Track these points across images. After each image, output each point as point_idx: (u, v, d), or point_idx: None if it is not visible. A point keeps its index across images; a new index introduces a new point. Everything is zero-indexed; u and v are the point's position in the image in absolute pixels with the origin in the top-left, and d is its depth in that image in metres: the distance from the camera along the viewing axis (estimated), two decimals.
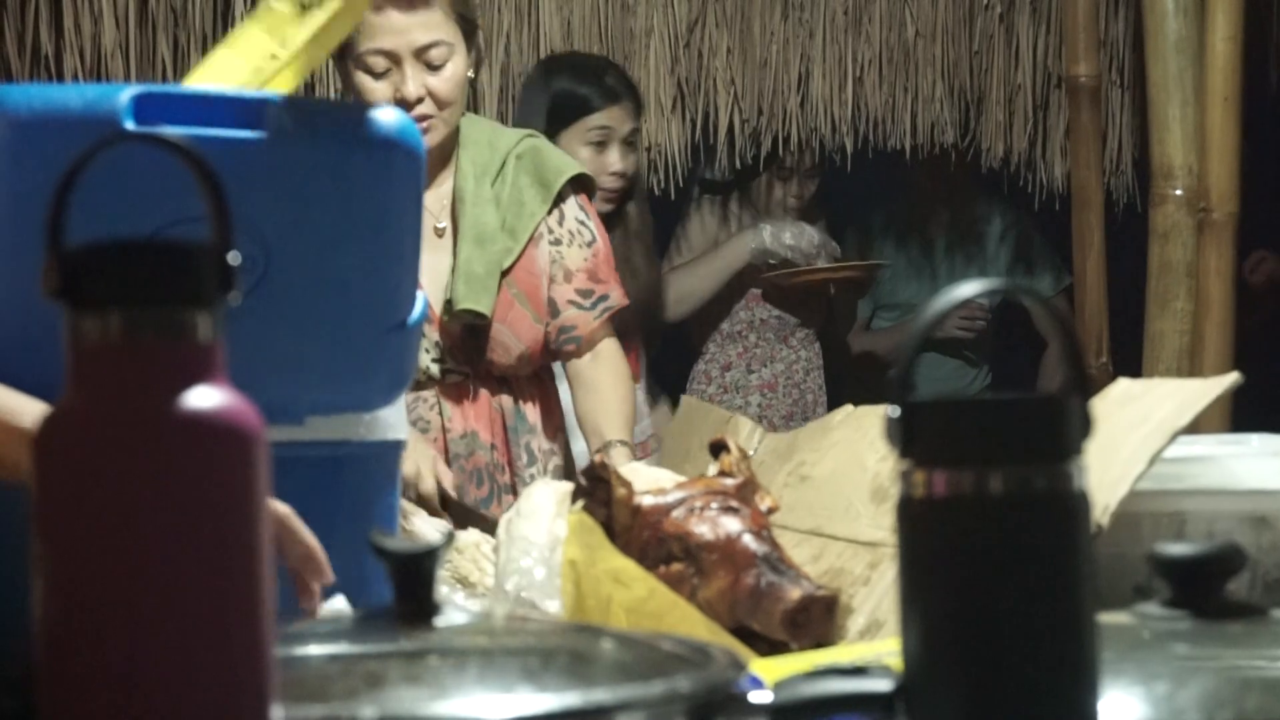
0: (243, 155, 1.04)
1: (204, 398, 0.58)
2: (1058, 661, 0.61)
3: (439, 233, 2.29)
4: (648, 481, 1.28)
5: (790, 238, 3.42)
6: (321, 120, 1.09)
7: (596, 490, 1.22)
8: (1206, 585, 0.76)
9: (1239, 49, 2.96)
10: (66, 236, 0.60)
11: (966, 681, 0.61)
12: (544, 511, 1.25)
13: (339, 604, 0.87)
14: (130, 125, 1.02)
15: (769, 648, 1.18)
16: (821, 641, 1.19)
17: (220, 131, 1.04)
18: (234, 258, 0.60)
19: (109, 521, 0.56)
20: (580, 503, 1.21)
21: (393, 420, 1.17)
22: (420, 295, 1.17)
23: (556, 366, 2.43)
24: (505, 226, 2.27)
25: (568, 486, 1.27)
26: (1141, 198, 3.53)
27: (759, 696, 0.65)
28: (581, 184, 2.35)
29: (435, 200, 2.30)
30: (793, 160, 3.56)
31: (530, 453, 2.30)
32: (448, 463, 2.26)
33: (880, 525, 1.31)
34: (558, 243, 2.31)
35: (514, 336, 2.28)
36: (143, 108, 1.04)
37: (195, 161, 0.60)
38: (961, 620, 0.61)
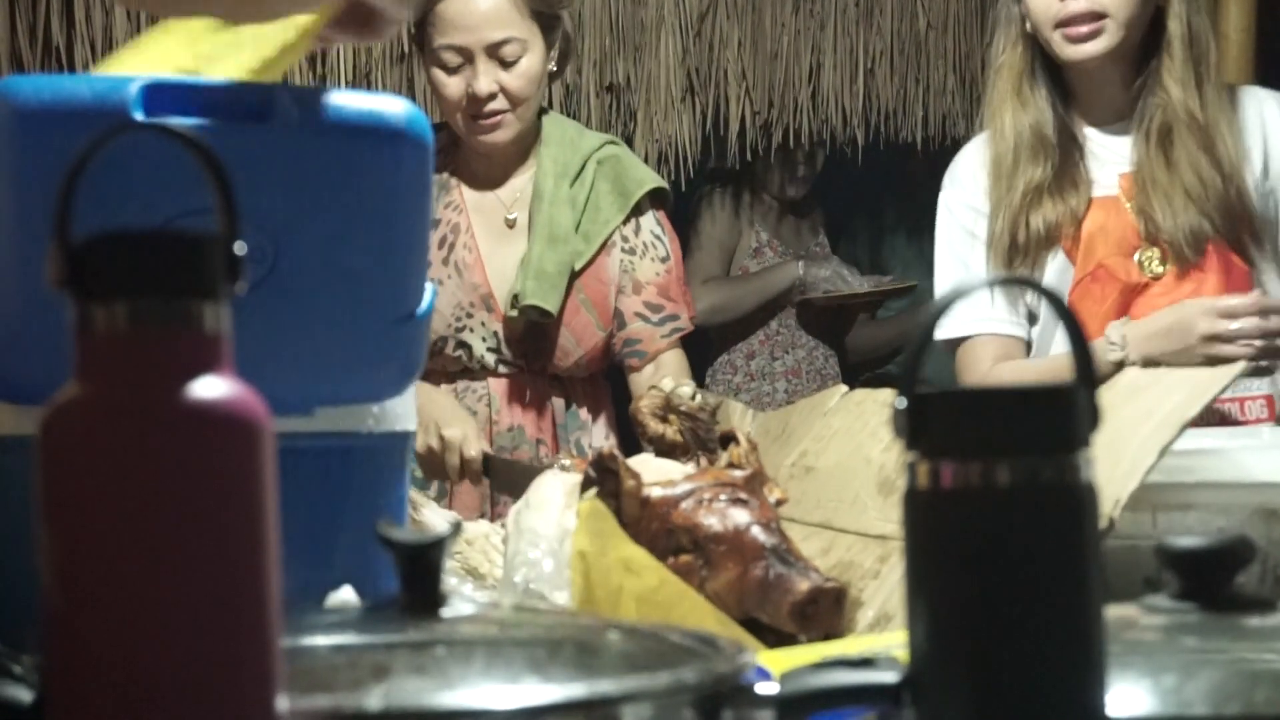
0: (251, 146, 1.04)
1: (210, 388, 0.58)
2: (1065, 653, 0.61)
3: (509, 224, 2.30)
4: (656, 473, 1.28)
5: (825, 273, 3.51)
6: (330, 111, 1.09)
7: (605, 482, 1.22)
8: (1215, 578, 0.75)
9: (1252, 40, 2.95)
10: (77, 228, 0.60)
11: (973, 673, 0.61)
12: (553, 503, 1.25)
13: (346, 594, 0.88)
14: (139, 116, 1.02)
15: (777, 639, 1.18)
16: (830, 634, 1.19)
17: (229, 122, 1.04)
18: (240, 248, 0.60)
19: (114, 511, 0.56)
20: (590, 492, 1.21)
21: (402, 411, 1.17)
22: (430, 286, 1.17)
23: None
24: (580, 230, 2.28)
25: (576, 478, 1.27)
26: None
27: (766, 688, 0.65)
28: (659, 198, 2.36)
29: (509, 192, 2.31)
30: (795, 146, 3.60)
31: (581, 449, 2.30)
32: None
33: (889, 518, 1.31)
34: (631, 252, 2.32)
35: (575, 341, 2.29)
36: (152, 99, 1.04)
37: (202, 152, 0.61)
38: (968, 612, 0.61)
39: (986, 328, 2.17)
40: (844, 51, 3.63)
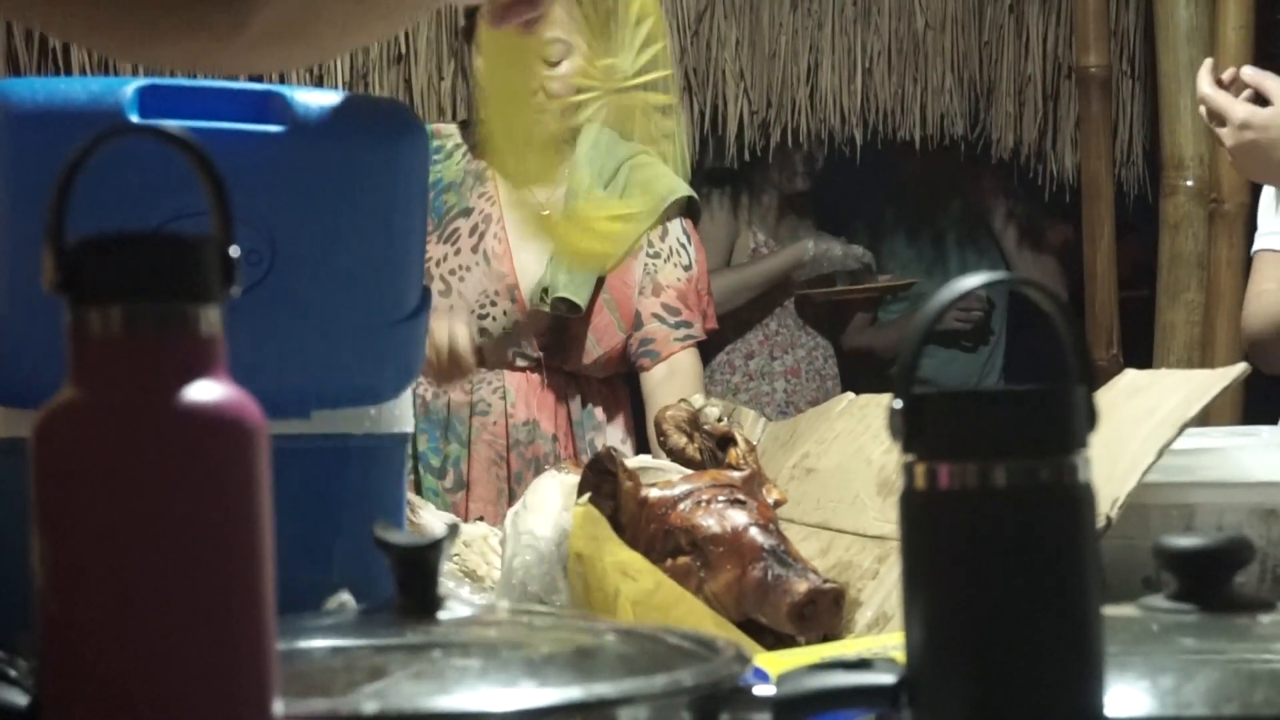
0: (248, 148, 1.04)
1: (205, 391, 0.58)
2: (1062, 654, 0.60)
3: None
4: (654, 474, 1.27)
5: (838, 251, 3.49)
6: (327, 112, 1.09)
7: (603, 483, 1.22)
8: (1214, 578, 0.75)
9: (1250, 38, 2.95)
10: (72, 230, 0.60)
11: (970, 674, 0.61)
12: (550, 504, 1.25)
13: (343, 598, 0.88)
14: (134, 118, 1.02)
15: (776, 641, 1.18)
16: (829, 635, 1.19)
17: (225, 124, 1.04)
18: (235, 251, 0.60)
19: (109, 515, 0.56)
20: (586, 495, 1.21)
21: (399, 413, 1.17)
22: (427, 288, 1.17)
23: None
24: None
25: (574, 479, 1.27)
26: (1152, 188, 3.52)
27: (763, 690, 0.65)
28: (689, 208, 2.41)
29: (544, 190, 2.36)
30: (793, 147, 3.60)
31: (595, 449, 2.33)
32: (507, 448, 2.30)
33: (887, 519, 1.31)
34: (656, 256, 2.37)
35: (596, 340, 2.32)
36: (148, 101, 1.03)
37: (196, 154, 0.60)
38: (965, 613, 0.61)
39: (1269, 243, 2.02)
40: (842, 51, 3.63)
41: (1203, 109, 1.95)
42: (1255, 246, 2.10)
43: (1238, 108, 1.88)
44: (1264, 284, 2.04)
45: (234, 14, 0.91)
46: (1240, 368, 1.22)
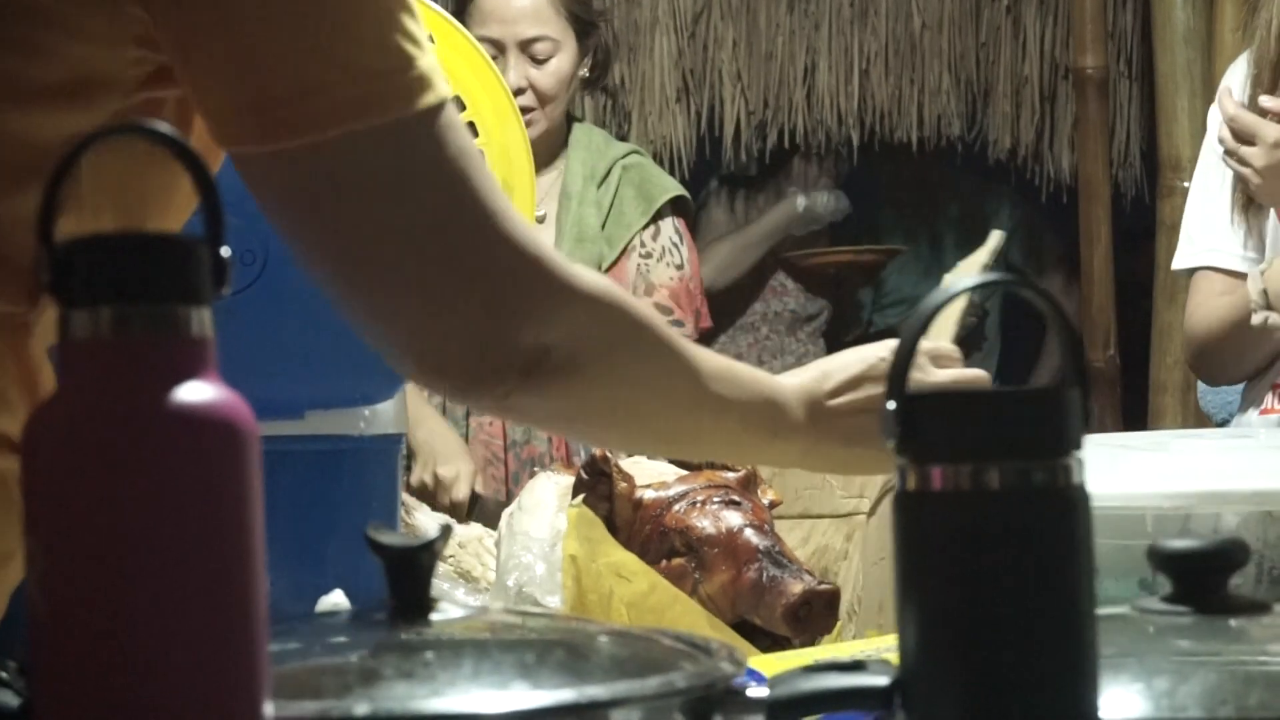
0: None
1: (195, 393, 0.58)
2: (1056, 657, 0.60)
3: (539, 220, 2.37)
4: (649, 475, 1.27)
5: (830, 201, 3.49)
6: None
7: (598, 484, 1.22)
8: (1209, 580, 0.75)
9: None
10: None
11: (964, 676, 0.61)
12: (545, 506, 1.25)
13: (337, 599, 0.88)
14: None
15: (771, 642, 1.18)
16: (824, 635, 1.19)
17: None
18: (226, 252, 0.60)
19: (98, 518, 0.56)
20: (581, 497, 1.21)
21: (393, 414, 1.17)
22: None
23: None
24: (604, 232, 2.34)
25: (569, 480, 1.27)
26: (1149, 190, 3.52)
27: (757, 692, 0.65)
28: (681, 207, 2.42)
29: (537, 190, 2.37)
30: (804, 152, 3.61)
31: (589, 449, 2.33)
32: (504, 449, 2.30)
33: (850, 494, 1.33)
34: (648, 256, 2.39)
35: None
36: None
37: (185, 153, 0.60)
38: (959, 615, 0.60)
39: (1212, 260, 2.06)
40: (839, 52, 3.63)
41: (1225, 132, 1.91)
42: (1193, 263, 2.09)
43: (1270, 127, 1.86)
44: (1204, 298, 2.07)
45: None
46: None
